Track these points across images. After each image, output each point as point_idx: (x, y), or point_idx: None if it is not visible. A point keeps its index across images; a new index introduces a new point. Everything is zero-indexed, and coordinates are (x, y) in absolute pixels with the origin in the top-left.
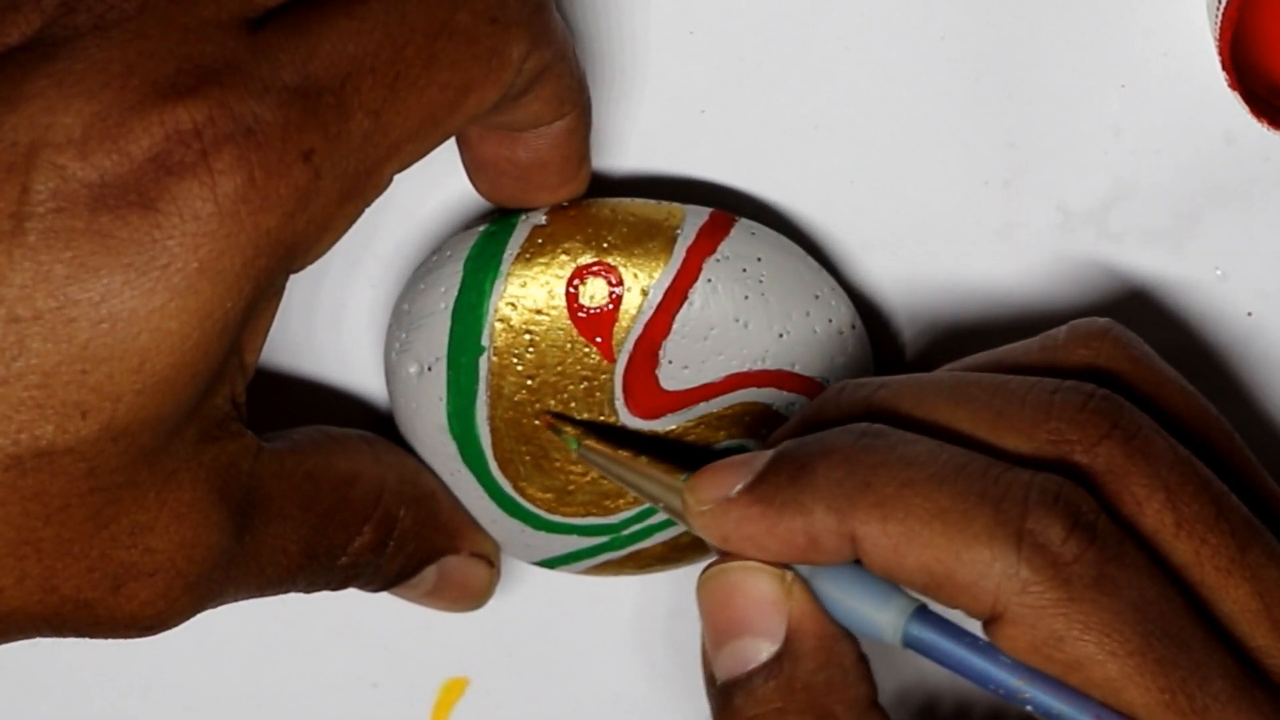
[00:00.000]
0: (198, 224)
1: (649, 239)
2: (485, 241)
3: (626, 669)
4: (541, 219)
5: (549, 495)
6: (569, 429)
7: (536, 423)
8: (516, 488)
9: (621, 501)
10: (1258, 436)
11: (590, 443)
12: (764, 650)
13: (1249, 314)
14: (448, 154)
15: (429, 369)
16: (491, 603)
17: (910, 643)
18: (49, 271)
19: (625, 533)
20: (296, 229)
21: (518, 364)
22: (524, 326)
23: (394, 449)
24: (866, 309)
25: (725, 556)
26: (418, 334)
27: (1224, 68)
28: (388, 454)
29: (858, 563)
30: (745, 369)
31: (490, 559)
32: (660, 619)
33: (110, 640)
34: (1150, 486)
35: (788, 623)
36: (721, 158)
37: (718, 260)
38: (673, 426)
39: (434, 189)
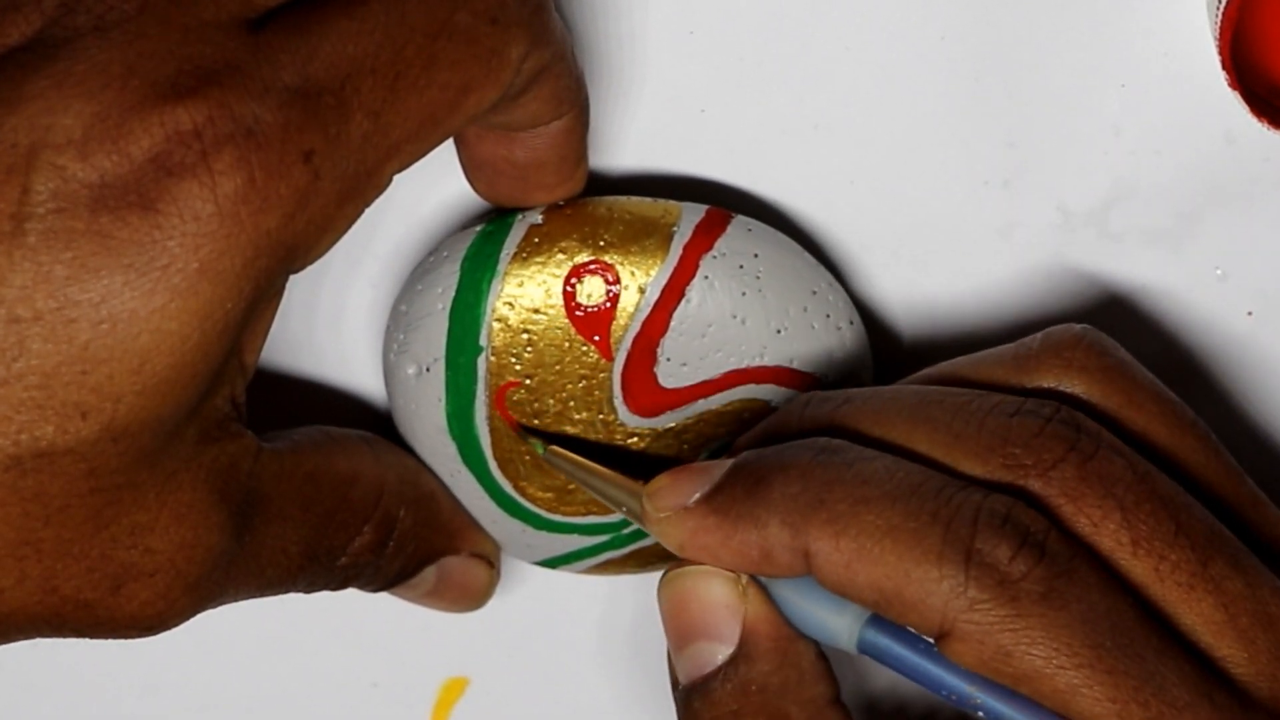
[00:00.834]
0: (198, 225)
1: (646, 237)
2: (482, 241)
3: (626, 669)
4: (538, 218)
5: (549, 495)
6: (534, 438)
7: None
8: (517, 487)
9: None
10: (1257, 437)
11: (555, 448)
12: (720, 653)
13: (1249, 314)
14: (446, 154)
15: (427, 370)
16: (491, 603)
17: (865, 649)
18: (49, 272)
19: (626, 531)
20: (296, 229)
21: (516, 364)
22: (522, 326)
23: (394, 449)
24: (867, 309)
25: (685, 561)
26: (415, 335)
27: (1224, 68)
28: (388, 454)
29: None
30: (743, 365)
31: (490, 559)
32: (660, 619)
33: (110, 640)
34: (1105, 508)
35: (742, 626)
36: (721, 157)
37: (715, 257)
38: (672, 424)
39: (433, 189)
